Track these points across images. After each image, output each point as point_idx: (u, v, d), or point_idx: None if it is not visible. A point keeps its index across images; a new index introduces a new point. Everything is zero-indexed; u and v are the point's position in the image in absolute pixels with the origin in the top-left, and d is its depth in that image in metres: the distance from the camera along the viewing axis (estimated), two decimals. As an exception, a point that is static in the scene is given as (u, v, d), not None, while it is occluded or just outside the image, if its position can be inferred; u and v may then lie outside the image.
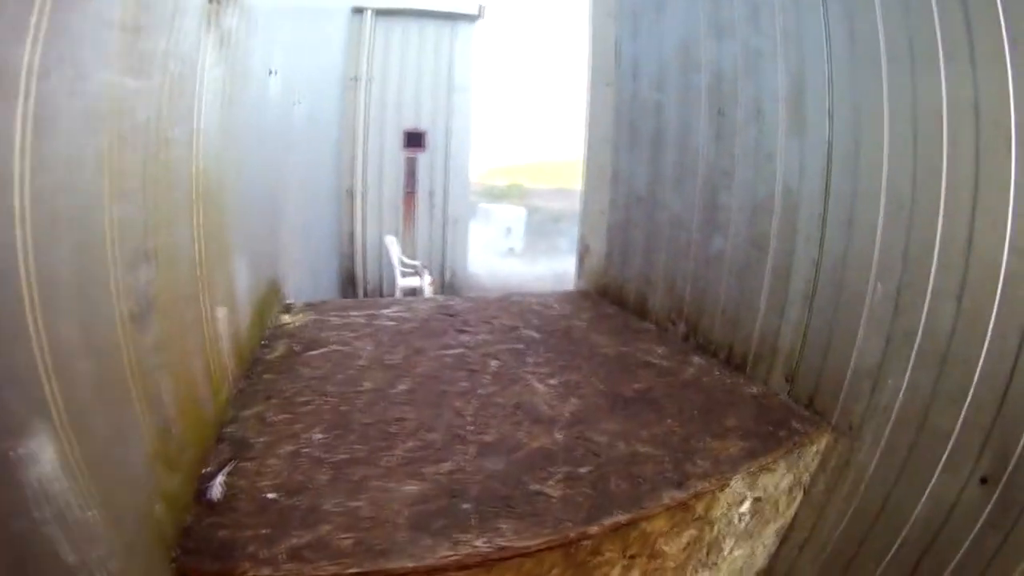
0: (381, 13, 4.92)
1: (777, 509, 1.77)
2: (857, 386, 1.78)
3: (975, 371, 1.50)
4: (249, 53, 1.76)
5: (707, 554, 1.60)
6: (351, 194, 4.92)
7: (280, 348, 1.89)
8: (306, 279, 2.77)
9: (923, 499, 1.61)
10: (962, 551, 1.52)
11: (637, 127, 2.81)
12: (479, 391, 1.72)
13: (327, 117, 3.85)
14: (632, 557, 1.36)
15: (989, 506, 1.47)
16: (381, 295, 5.25)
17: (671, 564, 1.50)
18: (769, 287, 2.04)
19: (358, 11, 4.96)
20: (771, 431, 1.68)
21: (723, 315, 2.26)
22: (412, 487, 1.25)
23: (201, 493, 1.21)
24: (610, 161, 3.01)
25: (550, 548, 1.17)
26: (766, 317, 2.04)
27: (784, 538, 1.93)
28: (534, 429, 1.54)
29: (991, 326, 1.46)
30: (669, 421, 1.66)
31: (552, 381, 1.83)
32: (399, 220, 5.29)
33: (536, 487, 1.29)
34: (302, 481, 1.24)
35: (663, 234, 2.63)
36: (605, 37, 3.00)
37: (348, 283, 5.38)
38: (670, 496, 1.33)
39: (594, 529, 1.21)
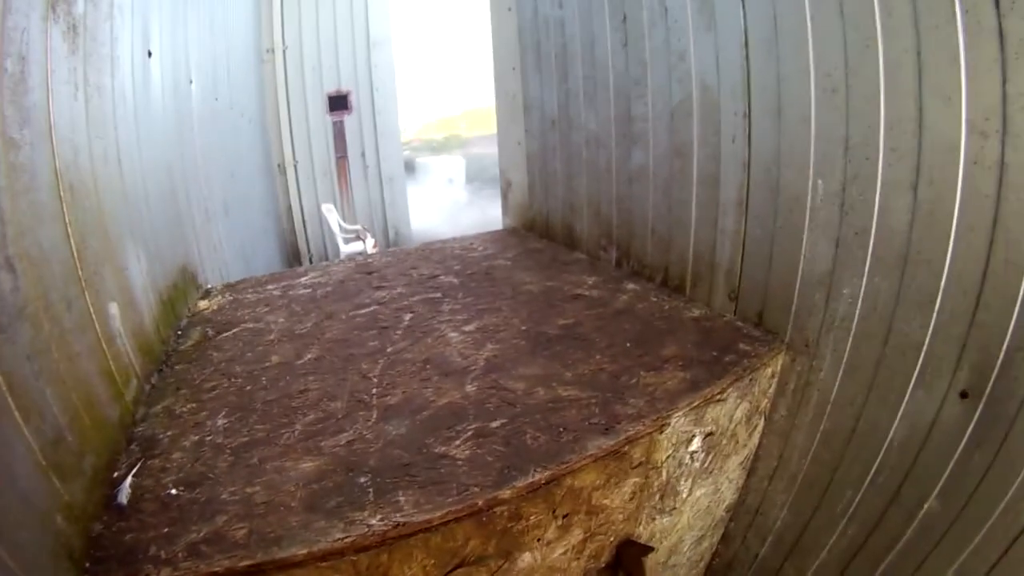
0: None
1: (736, 441, 1.78)
2: (809, 298, 1.75)
3: (942, 272, 1.46)
4: (115, 38, 1.73)
5: (661, 499, 1.61)
6: (282, 168, 4.97)
7: (195, 335, 1.93)
8: (235, 260, 2.81)
9: (897, 419, 1.60)
10: (947, 473, 1.51)
11: (542, 48, 2.77)
12: (388, 349, 1.73)
13: (241, 93, 3.81)
14: (566, 516, 1.37)
15: (972, 423, 1.46)
16: (328, 265, 5.43)
17: (619, 517, 1.52)
18: (698, 198, 2.00)
19: None
20: (716, 356, 1.68)
21: (654, 235, 2.24)
22: (308, 464, 1.28)
23: (111, 499, 1.29)
24: (520, 88, 2.99)
25: (457, 519, 1.16)
26: (699, 231, 2.02)
27: (751, 470, 1.96)
28: (444, 384, 1.55)
29: (955, 219, 1.41)
30: (598, 357, 1.66)
31: (468, 328, 1.84)
32: (335, 187, 5.35)
33: (441, 449, 1.30)
34: (203, 472, 1.28)
35: (581, 156, 2.61)
36: (499, -43, 2.94)
37: (294, 257, 5.51)
38: (596, 445, 1.32)
39: (506, 493, 1.20)
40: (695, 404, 1.52)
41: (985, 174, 1.33)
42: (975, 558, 1.47)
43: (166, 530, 1.14)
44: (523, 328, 1.84)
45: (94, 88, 1.55)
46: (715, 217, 1.94)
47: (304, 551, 1.09)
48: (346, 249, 5.10)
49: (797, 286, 1.75)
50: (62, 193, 1.36)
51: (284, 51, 4.92)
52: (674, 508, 1.70)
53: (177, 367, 1.75)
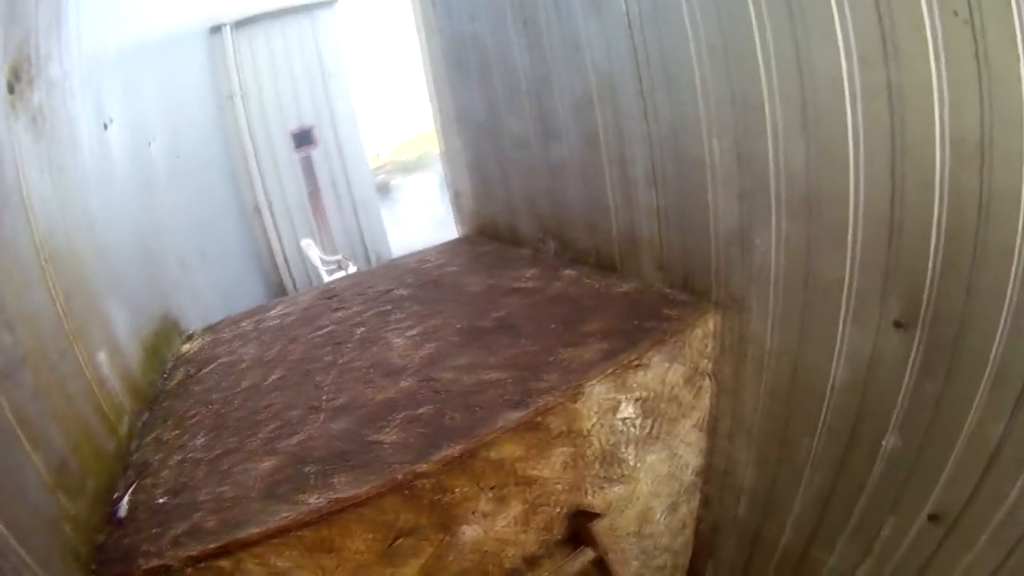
0: (239, 25, 5.53)
1: (680, 404, 2.06)
2: (726, 254, 2.02)
3: (847, 207, 1.63)
4: (72, 118, 2.28)
5: (603, 467, 1.92)
6: (258, 210, 5.64)
7: (179, 375, 2.41)
8: (218, 303, 3.37)
9: (835, 360, 1.79)
10: (901, 407, 1.67)
11: (464, 61, 3.20)
12: (340, 361, 2.15)
13: (203, 142, 4.45)
14: (494, 488, 1.70)
15: (913, 352, 1.60)
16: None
17: (558, 487, 1.84)
18: (612, 179, 2.33)
19: (215, 29, 5.59)
20: (637, 325, 1.98)
21: (581, 221, 2.58)
22: (267, 463, 1.67)
23: (112, 515, 1.79)
24: (451, 101, 3.45)
25: (380, 493, 1.51)
26: (619, 210, 2.33)
27: (712, 431, 2.25)
28: (384, 383, 1.93)
29: (850, 153, 1.57)
30: (524, 342, 2.00)
31: (411, 332, 2.23)
32: (311, 221, 5.98)
33: (373, 437, 1.67)
34: (184, 482, 1.69)
35: (511, 157, 3.00)
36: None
37: (280, 295, 6.13)
38: (506, 418, 1.65)
39: (423, 466, 1.54)
40: (610, 371, 1.82)
41: (874, 101, 1.47)
42: (950, 491, 1.61)
43: (155, 531, 1.55)
44: (459, 326, 2.22)
45: (58, 168, 2.04)
46: (630, 194, 2.25)
47: (258, 530, 1.47)
48: (328, 280, 5.69)
49: (713, 245, 2.03)
50: (43, 262, 1.85)
51: (243, 96, 5.61)
52: (624, 475, 2.00)
53: (164, 404, 2.23)
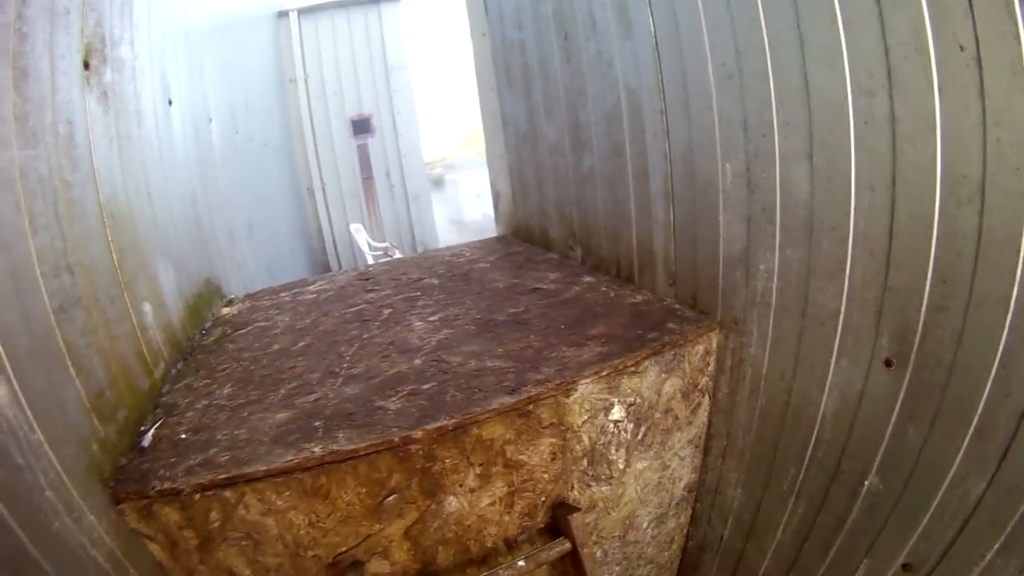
0: (305, 12, 5.94)
1: (675, 417, 2.19)
2: (731, 276, 2.13)
3: (847, 238, 1.69)
4: (138, 95, 2.60)
5: (590, 465, 2.06)
6: (311, 192, 6.00)
7: (216, 334, 2.69)
8: (260, 274, 3.68)
9: (826, 391, 1.86)
10: (883, 448, 1.71)
11: (510, 68, 3.43)
12: (364, 336, 2.36)
13: (264, 123, 4.82)
14: (482, 465, 1.87)
15: (902, 392, 1.64)
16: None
17: (543, 476, 1.99)
18: (634, 192, 2.48)
19: (283, 14, 6.01)
20: (639, 334, 2.12)
21: (605, 231, 2.73)
22: (283, 415, 1.89)
23: (136, 443, 2.04)
24: (498, 106, 3.68)
25: (377, 451, 1.71)
26: (639, 223, 2.48)
27: (706, 449, 2.37)
28: (399, 359, 2.13)
29: (853, 181, 1.63)
30: (532, 337, 2.17)
31: (432, 318, 2.42)
32: (362, 207, 6.28)
33: (380, 403, 1.87)
34: (207, 423, 1.93)
35: (547, 164, 3.20)
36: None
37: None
38: (499, 401, 1.81)
39: (418, 433, 1.72)
40: (604, 373, 1.96)
41: (876, 131, 1.52)
42: (926, 542, 1.63)
43: (172, 460, 1.81)
44: (476, 317, 2.41)
45: (124, 138, 2.36)
46: (649, 208, 2.39)
47: (264, 468, 1.68)
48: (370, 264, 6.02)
49: (720, 266, 2.15)
50: (105, 220, 2.14)
51: (306, 80, 6.01)
52: (611, 477, 2.14)
53: (199, 357, 2.50)
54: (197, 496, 1.67)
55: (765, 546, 2.24)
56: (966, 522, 1.54)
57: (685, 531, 2.47)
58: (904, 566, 1.71)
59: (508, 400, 1.87)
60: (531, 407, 1.91)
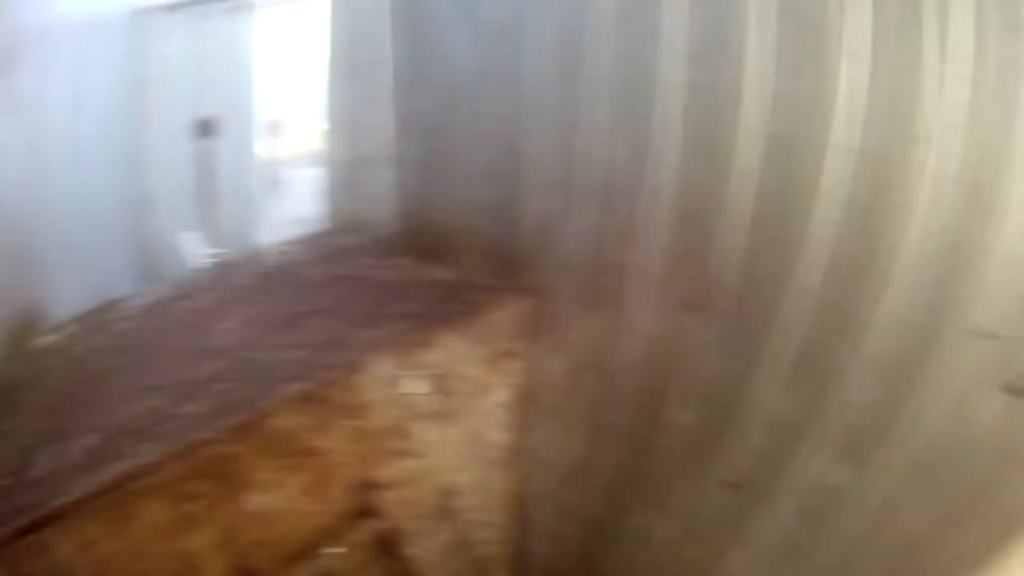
0: (158, 11, 5.73)
1: (479, 382, 2.31)
2: (537, 243, 2.28)
3: (650, 199, 1.98)
4: None
5: (395, 441, 2.14)
6: (146, 199, 5.79)
7: (34, 367, 2.45)
8: (86, 295, 3.54)
9: (631, 341, 2.15)
10: (689, 380, 2.02)
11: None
12: (175, 345, 2.31)
13: (104, 129, 4.62)
14: (281, 458, 1.89)
15: (711, 332, 1.94)
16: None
17: (345, 459, 2.03)
18: (450, 174, 2.60)
19: (138, 13, 5.76)
20: (441, 308, 2.23)
21: (416, 213, 2.84)
22: (89, 439, 1.77)
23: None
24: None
25: (169, 461, 1.66)
26: (454, 202, 2.60)
27: (519, 409, 2.47)
28: (201, 363, 2.09)
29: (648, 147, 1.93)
30: (335, 324, 2.20)
31: (240, 318, 2.39)
32: (200, 213, 6.13)
33: (179, 411, 1.83)
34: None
35: (371, 153, 3.12)
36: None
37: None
38: (289, 390, 1.85)
39: (208, 435, 1.71)
40: (399, 349, 2.06)
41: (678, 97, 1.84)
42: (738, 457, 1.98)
43: None
44: (285, 311, 2.38)
45: None
46: (466, 187, 2.52)
47: (70, 499, 1.58)
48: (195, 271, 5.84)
49: (528, 235, 2.32)
50: None
51: (149, 83, 5.75)
52: (414, 449, 2.21)
53: (15, 395, 2.31)
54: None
55: (591, 490, 2.44)
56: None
57: (514, 490, 2.60)
58: (723, 482, 2.01)
59: (298, 387, 1.91)
60: (322, 391, 1.95)
